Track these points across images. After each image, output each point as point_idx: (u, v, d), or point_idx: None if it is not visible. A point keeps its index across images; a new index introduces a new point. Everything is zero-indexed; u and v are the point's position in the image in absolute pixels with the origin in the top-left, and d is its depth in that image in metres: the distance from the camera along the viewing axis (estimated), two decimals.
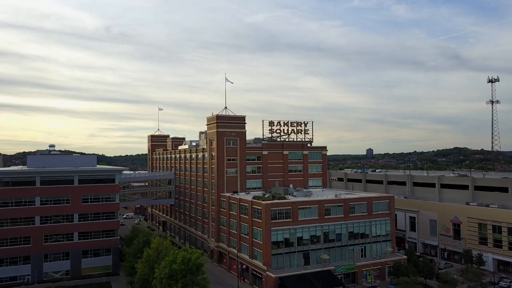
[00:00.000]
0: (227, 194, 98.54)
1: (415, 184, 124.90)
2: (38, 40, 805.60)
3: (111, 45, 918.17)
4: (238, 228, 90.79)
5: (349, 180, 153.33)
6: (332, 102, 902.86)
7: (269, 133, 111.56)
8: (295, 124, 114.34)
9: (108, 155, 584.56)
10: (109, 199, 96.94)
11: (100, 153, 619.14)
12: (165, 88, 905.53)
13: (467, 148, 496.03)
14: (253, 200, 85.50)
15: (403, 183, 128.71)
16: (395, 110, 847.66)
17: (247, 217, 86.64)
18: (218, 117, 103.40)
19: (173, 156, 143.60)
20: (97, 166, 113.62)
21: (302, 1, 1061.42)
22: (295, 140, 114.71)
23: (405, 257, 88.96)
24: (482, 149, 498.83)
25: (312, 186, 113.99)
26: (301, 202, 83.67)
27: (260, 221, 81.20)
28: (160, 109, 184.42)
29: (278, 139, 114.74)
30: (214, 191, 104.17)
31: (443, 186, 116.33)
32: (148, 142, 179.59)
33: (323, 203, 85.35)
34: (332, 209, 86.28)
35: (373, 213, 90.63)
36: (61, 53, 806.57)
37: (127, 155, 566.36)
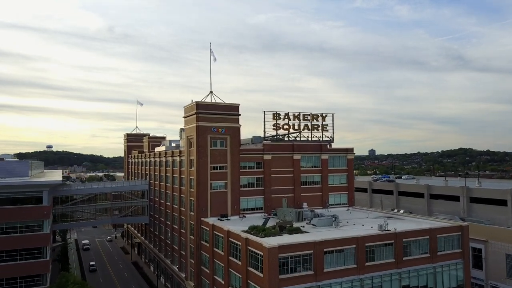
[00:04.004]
0: (211, 221, 65.55)
1: (473, 199, 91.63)
2: (40, 41, 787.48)
3: (114, 46, 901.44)
4: (226, 277, 57.76)
5: (375, 191, 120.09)
6: (333, 102, 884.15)
7: (274, 129, 78.85)
8: (309, 117, 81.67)
9: (106, 156, 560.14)
10: (32, 228, 64.27)
11: (99, 154, 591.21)
12: (166, 88, 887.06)
13: (472, 149, 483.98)
14: (249, 237, 52.51)
15: (454, 198, 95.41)
16: (396, 111, 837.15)
17: (240, 263, 53.68)
18: (199, 105, 70.60)
19: (147, 160, 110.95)
20: (30, 176, 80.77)
21: (304, 2, 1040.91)
22: (309, 139, 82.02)
23: None
24: (488, 150, 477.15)
25: (334, 205, 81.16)
26: (328, 241, 50.50)
27: (261, 275, 48.20)
28: (139, 103, 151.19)
29: (286, 138, 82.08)
30: (193, 213, 71.33)
31: None
32: (124, 143, 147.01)
33: (364, 242, 52.33)
34: (377, 251, 53.36)
35: (439, 253, 57.74)
36: (63, 54, 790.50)
37: None
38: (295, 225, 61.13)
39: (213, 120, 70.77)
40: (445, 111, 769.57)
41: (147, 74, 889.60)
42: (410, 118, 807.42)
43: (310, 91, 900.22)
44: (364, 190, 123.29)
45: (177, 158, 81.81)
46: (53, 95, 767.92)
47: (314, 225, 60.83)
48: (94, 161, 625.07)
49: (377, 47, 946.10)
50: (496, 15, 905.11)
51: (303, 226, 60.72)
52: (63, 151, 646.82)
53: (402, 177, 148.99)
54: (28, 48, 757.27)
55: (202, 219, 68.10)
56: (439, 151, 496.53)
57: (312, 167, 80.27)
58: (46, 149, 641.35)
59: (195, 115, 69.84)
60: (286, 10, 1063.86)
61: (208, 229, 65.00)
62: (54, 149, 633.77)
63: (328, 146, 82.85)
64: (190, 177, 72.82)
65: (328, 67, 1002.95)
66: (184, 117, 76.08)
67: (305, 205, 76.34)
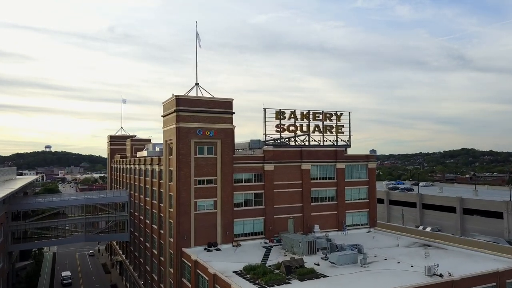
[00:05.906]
0: (194, 254, 49.10)
1: None
2: (41, 41, 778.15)
3: (115, 46, 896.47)
4: None
5: (393, 202, 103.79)
6: (334, 102, 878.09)
7: (277, 131, 62.68)
8: (320, 116, 65.57)
9: (105, 156, 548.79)
10: None
11: (98, 154, 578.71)
12: (167, 88, 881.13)
13: (474, 149, 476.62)
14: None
15: (495, 215, 79.20)
16: (397, 111, 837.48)
17: None
18: (180, 101, 54.25)
19: (128, 167, 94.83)
20: None
21: (305, 2, 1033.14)
22: (321, 143, 65.83)
23: None
24: (491, 150, 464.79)
25: (351, 226, 64.90)
26: None
27: None
28: (123, 101, 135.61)
29: (292, 142, 65.88)
30: (172, 240, 55.06)
31: None
32: (108, 145, 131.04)
33: None
34: None
35: None
36: (64, 54, 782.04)
37: None
38: (307, 261, 44.98)
39: (198, 119, 54.59)
40: (446, 111, 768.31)
41: (147, 74, 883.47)
42: (411, 118, 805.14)
43: (311, 91, 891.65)
44: (380, 201, 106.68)
45: (156, 168, 65.59)
46: (53, 95, 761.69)
47: (333, 264, 44.50)
48: (93, 162, 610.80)
49: (378, 47, 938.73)
50: (496, 15, 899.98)
51: (318, 264, 44.50)
52: (61, 151, 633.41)
53: (420, 184, 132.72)
54: (28, 48, 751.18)
55: (184, 249, 51.85)
56: (441, 151, 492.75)
57: (325, 179, 63.95)
58: (44, 149, 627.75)
59: (174, 113, 53.65)
60: (287, 10, 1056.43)
61: (190, 264, 48.74)
62: (53, 149, 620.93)
63: (345, 153, 66.68)
64: (169, 193, 56.59)
65: (329, 67, 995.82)
66: (163, 116, 59.83)
67: (316, 227, 60.32)
